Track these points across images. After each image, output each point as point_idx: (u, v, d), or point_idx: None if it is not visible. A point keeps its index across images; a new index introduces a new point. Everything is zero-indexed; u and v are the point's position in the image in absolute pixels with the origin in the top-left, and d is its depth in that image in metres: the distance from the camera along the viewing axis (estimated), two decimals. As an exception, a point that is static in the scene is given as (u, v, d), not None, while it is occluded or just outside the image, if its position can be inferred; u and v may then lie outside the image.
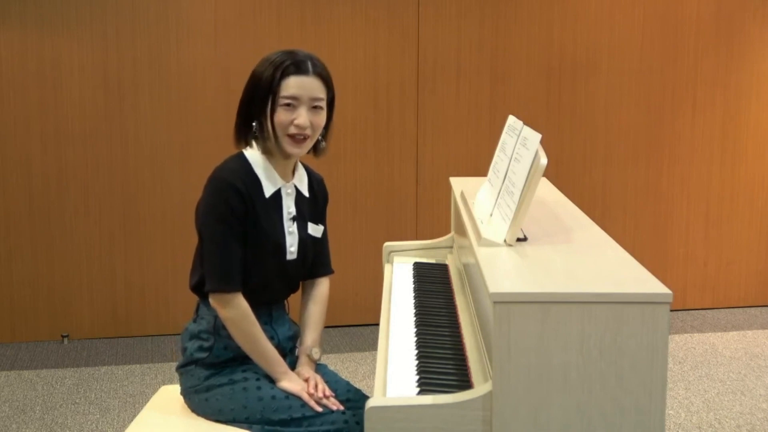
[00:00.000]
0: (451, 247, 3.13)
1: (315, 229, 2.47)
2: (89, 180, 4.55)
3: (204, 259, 2.30)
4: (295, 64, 2.28)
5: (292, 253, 2.38)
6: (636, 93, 4.99)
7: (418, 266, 2.96)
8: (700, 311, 5.20)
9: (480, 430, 1.90)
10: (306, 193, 2.45)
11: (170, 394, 2.46)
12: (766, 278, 5.27)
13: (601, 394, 1.89)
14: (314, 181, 2.51)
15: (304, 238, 2.42)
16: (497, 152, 2.75)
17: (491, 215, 2.49)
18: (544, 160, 2.17)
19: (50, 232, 4.56)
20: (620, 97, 4.98)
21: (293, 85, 2.27)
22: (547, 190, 3.07)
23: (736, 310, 5.23)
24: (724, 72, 5.04)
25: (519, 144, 2.43)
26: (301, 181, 2.45)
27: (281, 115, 2.28)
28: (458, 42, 4.78)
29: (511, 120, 2.72)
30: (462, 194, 2.88)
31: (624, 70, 4.95)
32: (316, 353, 2.44)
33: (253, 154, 2.35)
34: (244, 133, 2.36)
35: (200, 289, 2.36)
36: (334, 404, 2.30)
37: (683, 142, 5.07)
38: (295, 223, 2.39)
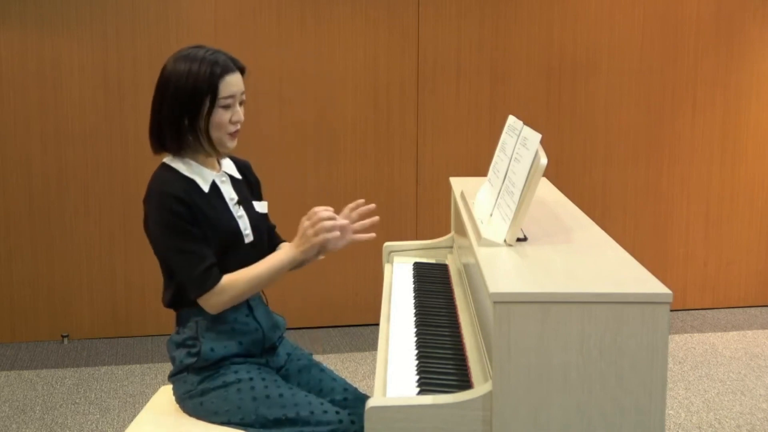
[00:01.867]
0: (451, 247, 3.12)
1: (261, 206, 2.49)
2: (89, 180, 4.55)
3: (176, 274, 2.30)
4: (225, 63, 2.29)
5: (248, 236, 2.39)
6: (636, 93, 4.99)
7: (418, 266, 2.96)
8: (700, 311, 5.20)
9: (480, 430, 1.90)
10: (238, 176, 2.48)
11: (170, 394, 2.46)
12: (766, 278, 5.27)
13: (601, 394, 1.89)
14: (241, 165, 2.53)
15: (254, 217, 2.44)
16: (497, 152, 2.75)
17: (491, 215, 2.49)
18: (544, 160, 2.17)
19: (50, 232, 4.56)
20: (620, 97, 4.98)
21: (229, 84, 2.29)
22: (547, 190, 3.07)
23: (736, 310, 5.23)
24: (724, 72, 5.04)
25: (519, 144, 2.43)
26: (229, 167, 2.47)
27: (221, 116, 2.29)
28: (458, 42, 4.77)
29: (511, 120, 2.72)
30: (462, 194, 2.87)
31: (624, 70, 4.95)
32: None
33: (173, 161, 2.34)
34: (173, 140, 2.31)
35: (175, 303, 2.37)
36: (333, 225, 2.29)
37: (683, 142, 5.07)
38: (241, 207, 2.41)
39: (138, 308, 4.68)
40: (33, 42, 4.41)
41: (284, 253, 2.34)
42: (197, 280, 2.26)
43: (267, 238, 2.51)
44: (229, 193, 2.40)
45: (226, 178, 2.41)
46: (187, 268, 2.26)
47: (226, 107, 2.29)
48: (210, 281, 2.27)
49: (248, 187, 2.50)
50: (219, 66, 2.28)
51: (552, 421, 1.90)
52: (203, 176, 2.35)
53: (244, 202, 2.43)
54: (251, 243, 2.40)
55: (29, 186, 4.52)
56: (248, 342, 2.36)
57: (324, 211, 2.31)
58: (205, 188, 2.34)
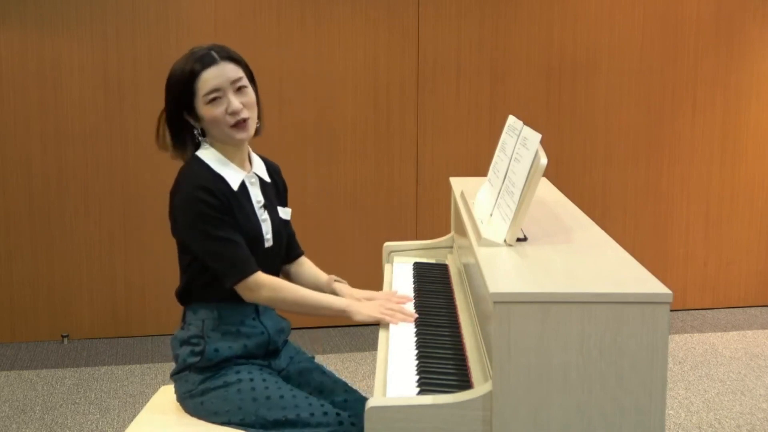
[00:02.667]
0: (451, 247, 3.12)
1: (284, 212, 2.48)
2: (89, 180, 4.55)
3: (211, 263, 2.28)
4: (198, 60, 2.28)
5: (268, 240, 2.38)
6: (636, 93, 4.99)
7: (418, 266, 2.95)
8: (700, 311, 5.20)
9: (480, 430, 1.90)
10: (267, 179, 2.46)
11: (170, 394, 2.46)
12: (766, 278, 5.27)
13: (601, 394, 1.89)
14: (272, 169, 2.52)
15: (277, 223, 2.43)
16: (497, 152, 2.76)
17: (491, 215, 2.49)
18: (544, 160, 2.17)
19: (50, 232, 4.56)
20: (620, 97, 4.98)
21: (208, 79, 2.27)
22: (547, 190, 3.07)
23: (736, 310, 5.23)
24: (724, 72, 5.04)
25: (519, 144, 2.43)
26: (260, 169, 2.45)
27: (212, 111, 2.27)
28: (458, 42, 4.78)
29: (511, 120, 2.72)
30: (462, 194, 2.88)
31: (624, 70, 4.95)
32: (335, 278, 2.55)
33: (205, 153, 2.34)
34: (183, 141, 2.35)
35: (185, 298, 2.38)
36: (411, 315, 2.38)
37: (683, 142, 5.08)
38: (266, 211, 2.40)
39: (138, 308, 4.68)
40: (33, 42, 4.41)
41: (340, 300, 2.38)
42: (234, 265, 2.25)
43: (286, 246, 2.51)
44: (256, 196, 2.38)
45: (255, 180, 2.40)
46: (224, 255, 2.25)
47: (214, 101, 2.27)
48: (247, 268, 2.26)
49: (275, 191, 2.49)
50: (198, 63, 2.27)
51: (552, 421, 1.90)
52: (233, 173, 2.33)
53: (269, 206, 2.42)
54: (270, 248, 2.39)
55: (29, 186, 4.52)
56: (253, 345, 2.36)
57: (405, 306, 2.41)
58: (235, 186, 2.32)
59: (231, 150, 2.35)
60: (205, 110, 2.28)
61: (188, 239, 2.30)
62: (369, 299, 2.46)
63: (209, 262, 2.28)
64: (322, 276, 2.61)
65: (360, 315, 2.33)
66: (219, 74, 2.27)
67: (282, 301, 2.31)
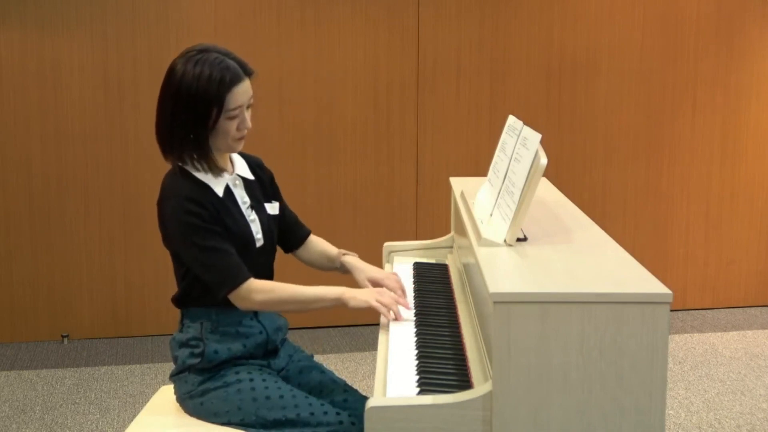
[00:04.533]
0: (451, 247, 3.13)
1: (272, 208, 2.48)
2: (89, 180, 4.55)
3: (202, 274, 2.28)
4: (233, 73, 2.24)
5: (259, 240, 2.38)
6: (636, 93, 4.99)
7: (418, 266, 2.96)
8: (700, 311, 5.20)
9: (480, 430, 1.90)
10: (251, 177, 2.45)
11: (170, 394, 2.46)
12: (766, 278, 5.27)
13: (601, 394, 1.89)
14: (254, 163, 2.50)
15: (265, 220, 2.42)
16: (497, 152, 2.76)
17: (491, 215, 2.49)
18: (544, 160, 2.17)
19: (50, 232, 4.56)
20: (620, 97, 4.98)
21: (237, 95, 2.25)
22: (547, 190, 3.07)
23: (736, 310, 5.23)
24: (724, 72, 5.04)
25: (519, 144, 2.43)
26: (242, 168, 2.44)
27: (228, 126, 2.26)
28: (458, 42, 4.77)
29: (511, 120, 2.72)
30: (462, 194, 2.88)
31: (624, 70, 4.95)
32: (343, 252, 2.60)
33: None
34: (177, 146, 2.29)
35: (183, 302, 2.38)
36: (405, 306, 2.41)
37: (683, 142, 5.07)
38: (254, 211, 2.40)
39: (138, 308, 4.68)
40: (33, 42, 4.41)
41: (334, 289, 2.34)
42: (226, 276, 2.25)
43: (285, 235, 2.52)
44: (242, 197, 2.38)
45: (239, 181, 2.39)
46: (215, 265, 2.25)
47: (233, 118, 2.27)
48: (239, 277, 2.25)
49: (260, 187, 2.48)
50: (229, 74, 2.23)
51: (552, 421, 1.90)
52: (217, 179, 2.32)
53: (256, 205, 2.42)
54: (261, 247, 2.39)
55: (29, 186, 4.52)
56: (252, 344, 2.36)
57: (400, 297, 2.43)
58: (220, 192, 2.32)
59: (215, 155, 2.35)
60: (222, 124, 2.26)
61: (179, 250, 2.31)
62: (373, 279, 2.54)
63: (200, 273, 2.28)
64: (332, 250, 2.64)
65: (354, 301, 2.32)
66: (245, 90, 2.27)
67: (276, 303, 2.31)
